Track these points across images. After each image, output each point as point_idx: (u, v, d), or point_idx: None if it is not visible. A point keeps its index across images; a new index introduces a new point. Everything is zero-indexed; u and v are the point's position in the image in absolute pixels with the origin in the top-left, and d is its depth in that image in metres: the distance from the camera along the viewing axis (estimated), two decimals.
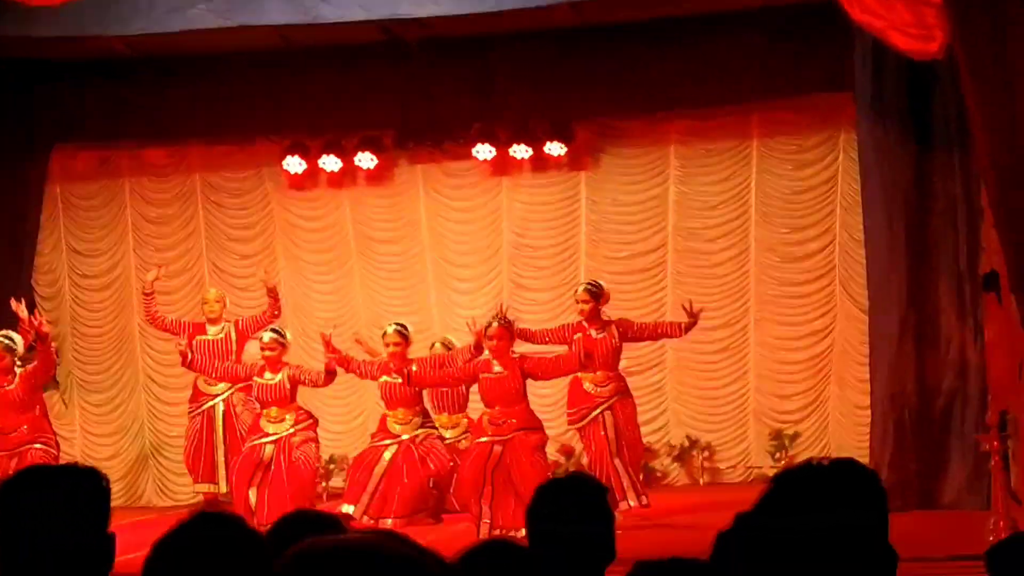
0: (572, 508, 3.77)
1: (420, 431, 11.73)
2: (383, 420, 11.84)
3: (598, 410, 11.19)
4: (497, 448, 10.73)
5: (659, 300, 13.75)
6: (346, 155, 13.97)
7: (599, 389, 11.27)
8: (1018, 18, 8.59)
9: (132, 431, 14.58)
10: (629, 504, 10.92)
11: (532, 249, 14.12)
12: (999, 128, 8.67)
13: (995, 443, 9.68)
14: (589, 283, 11.68)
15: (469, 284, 14.16)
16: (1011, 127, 8.63)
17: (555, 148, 13.67)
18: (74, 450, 14.39)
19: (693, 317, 11.14)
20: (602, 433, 11.13)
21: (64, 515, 2.89)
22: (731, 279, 13.69)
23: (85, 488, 2.95)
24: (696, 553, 3.73)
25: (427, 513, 11.70)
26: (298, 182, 14.33)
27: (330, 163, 14.00)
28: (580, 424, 11.32)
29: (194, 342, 12.32)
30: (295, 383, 11.67)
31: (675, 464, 13.66)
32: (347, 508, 11.40)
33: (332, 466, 13.51)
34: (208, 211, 14.63)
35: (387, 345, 11.63)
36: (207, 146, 14.48)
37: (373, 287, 14.40)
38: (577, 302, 11.46)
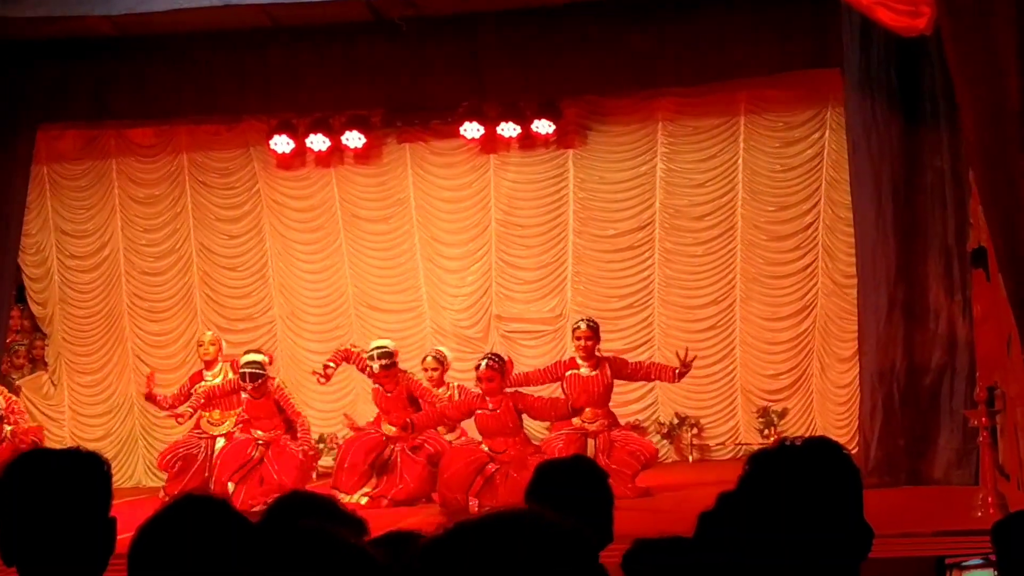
0: (572, 489, 3.76)
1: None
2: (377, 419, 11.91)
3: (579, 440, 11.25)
4: (492, 466, 10.80)
5: (647, 278, 13.77)
6: (334, 134, 13.94)
7: (588, 425, 11.33)
8: None
9: (122, 411, 14.58)
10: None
11: (520, 227, 14.12)
12: (984, 105, 8.65)
13: (983, 419, 9.71)
14: (589, 320, 11.65)
15: (457, 263, 14.16)
16: (996, 104, 8.61)
17: (543, 126, 13.66)
18: (63, 431, 14.42)
19: (686, 367, 11.17)
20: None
21: (66, 499, 2.88)
22: (718, 257, 13.71)
23: (87, 472, 2.93)
24: (687, 530, 3.75)
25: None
26: (286, 161, 14.31)
27: (318, 142, 13.98)
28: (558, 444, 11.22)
29: (197, 388, 12.37)
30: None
31: (664, 441, 13.69)
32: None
33: (322, 445, 13.50)
34: (195, 191, 14.60)
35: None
36: (194, 126, 14.45)
37: (361, 266, 14.38)
38: (577, 338, 11.46)
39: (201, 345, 12.73)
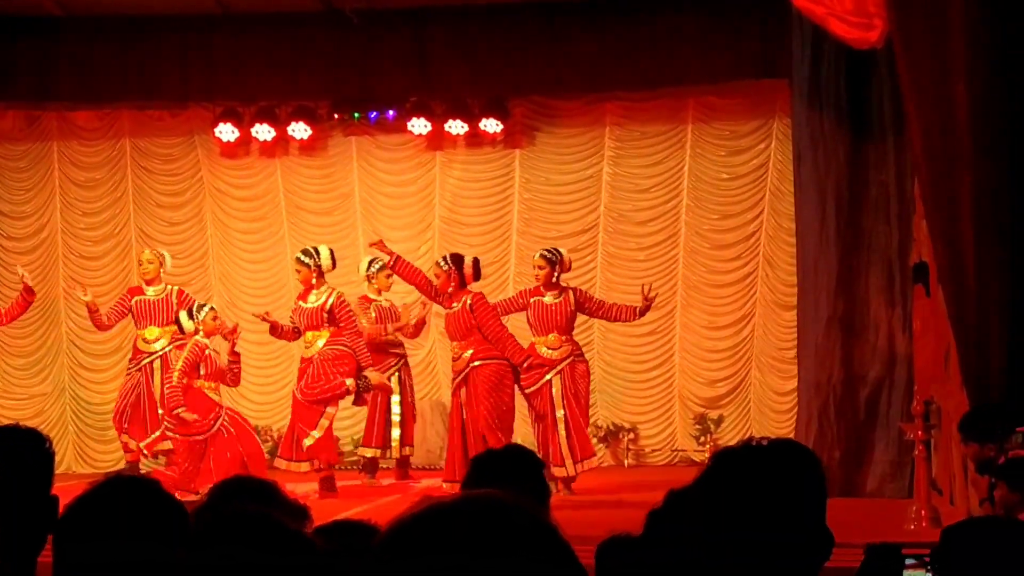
0: (507, 480, 3.72)
1: None
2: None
3: (550, 375, 11.26)
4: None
5: (589, 280, 13.74)
6: (279, 124, 13.84)
7: (552, 352, 11.33)
8: (957, 7, 8.62)
9: (53, 396, 14.41)
10: (567, 472, 11.07)
11: (464, 226, 14.08)
12: (932, 117, 8.70)
13: (919, 432, 9.76)
14: (545, 250, 11.73)
15: None
16: (944, 117, 8.65)
17: (491, 125, 13.63)
18: None
19: (648, 301, 11.29)
20: (550, 396, 11.25)
21: (7, 475, 2.84)
22: (660, 262, 13.75)
23: (28, 449, 2.90)
24: (625, 530, 3.72)
25: None
26: (230, 150, 14.20)
27: (263, 132, 13.87)
28: (532, 389, 11.33)
29: (133, 301, 12.29)
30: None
31: (601, 445, 13.67)
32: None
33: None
34: (137, 176, 14.46)
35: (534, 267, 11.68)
36: (138, 111, 14.30)
37: None
38: (533, 267, 11.55)
39: (140, 264, 12.55)
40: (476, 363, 11.15)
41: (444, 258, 11.57)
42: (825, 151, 11.27)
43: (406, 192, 14.19)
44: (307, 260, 11.47)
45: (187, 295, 12.50)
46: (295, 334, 11.68)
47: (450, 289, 11.29)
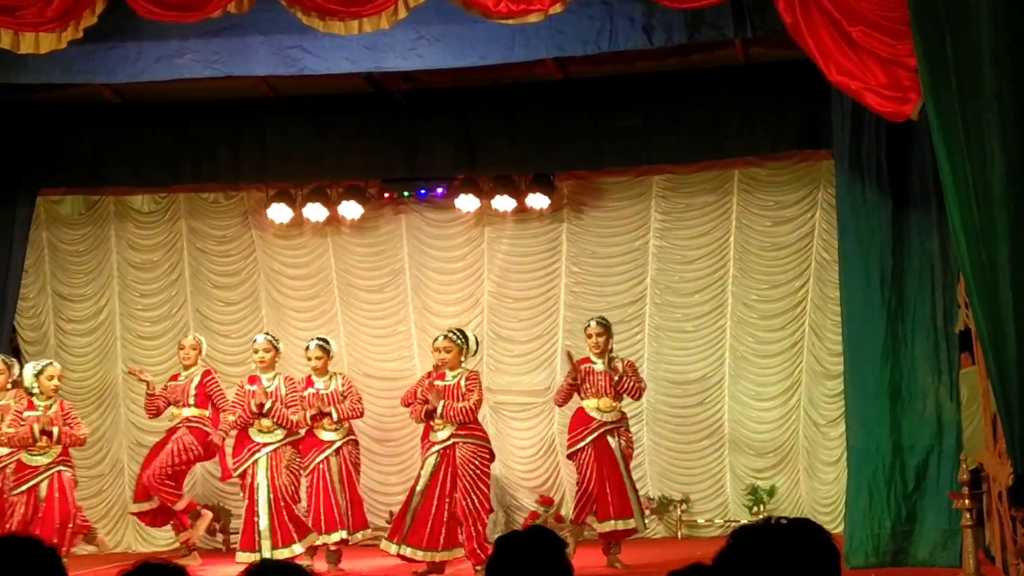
0: (530, 564, 3.78)
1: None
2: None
3: (601, 430, 11.69)
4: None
5: (636, 352, 13.82)
6: (331, 204, 14.07)
7: (604, 415, 11.73)
8: (990, 81, 8.70)
9: (112, 475, 14.59)
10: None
11: (512, 300, 14.22)
12: (968, 192, 8.77)
13: (967, 501, 9.75)
14: (600, 318, 12.18)
15: None
16: (980, 191, 8.72)
17: (537, 200, 13.77)
18: None
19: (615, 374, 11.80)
20: (608, 451, 11.67)
21: None
22: (707, 333, 13.81)
23: (37, 560, 2.95)
24: None
25: None
26: (283, 230, 14.42)
27: (315, 212, 14.09)
28: (582, 444, 11.74)
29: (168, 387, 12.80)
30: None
31: (653, 517, 13.70)
32: None
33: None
34: (193, 257, 14.71)
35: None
36: (193, 193, 14.59)
37: (356, 334, 14.47)
38: (588, 335, 11.98)
39: (182, 349, 12.94)
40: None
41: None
42: (868, 220, 11.31)
43: (455, 268, 14.35)
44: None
45: (212, 384, 12.80)
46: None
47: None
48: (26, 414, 12.03)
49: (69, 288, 14.78)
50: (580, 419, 11.86)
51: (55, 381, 12.12)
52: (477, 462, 11.36)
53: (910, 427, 11.08)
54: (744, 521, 13.32)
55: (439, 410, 11.32)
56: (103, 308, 14.76)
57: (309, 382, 12.24)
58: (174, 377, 12.99)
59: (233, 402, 12.19)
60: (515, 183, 13.74)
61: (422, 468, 11.42)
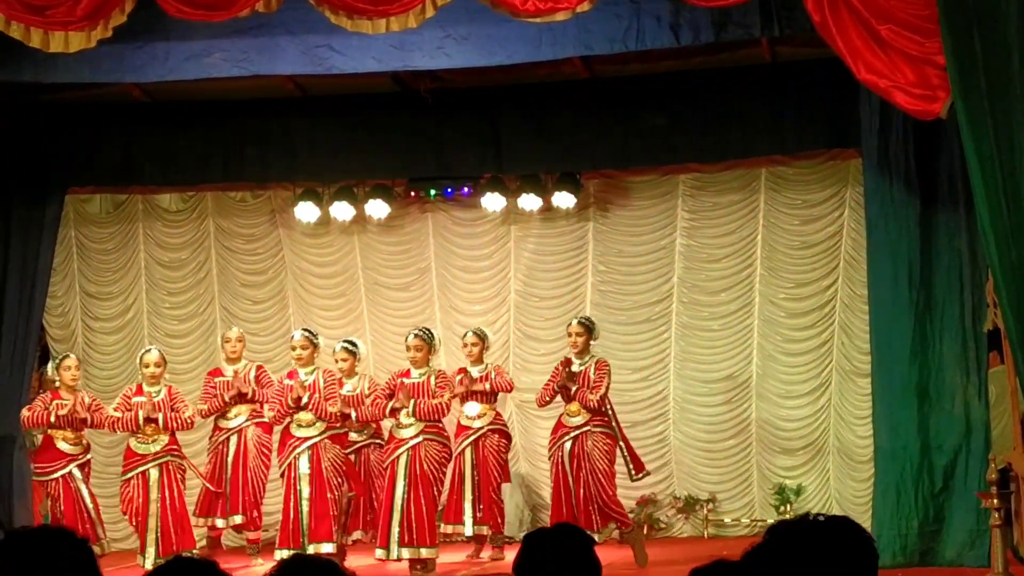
0: (558, 560, 3.78)
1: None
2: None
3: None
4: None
5: (663, 350, 13.83)
6: (358, 203, 14.10)
7: (572, 419, 11.84)
8: (1019, 79, 8.68)
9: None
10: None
11: (538, 298, 14.22)
12: (997, 191, 8.74)
13: (995, 501, 9.72)
14: (583, 318, 12.21)
15: None
16: (1009, 190, 8.70)
17: (563, 199, 13.77)
18: None
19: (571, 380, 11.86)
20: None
21: None
22: (735, 331, 13.77)
23: (68, 553, 2.94)
24: None
25: None
26: (310, 229, 14.46)
27: (342, 211, 14.13)
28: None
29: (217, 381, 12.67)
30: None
31: (679, 516, 13.69)
32: None
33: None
34: (220, 255, 14.76)
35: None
36: (221, 192, 14.64)
37: (382, 332, 14.49)
38: (568, 334, 12.00)
39: (228, 342, 12.83)
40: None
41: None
42: (896, 219, 11.28)
43: (481, 266, 14.36)
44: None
45: (261, 375, 12.75)
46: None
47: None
48: (134, 399, 11.95)
49: (97, 286, 14.84)
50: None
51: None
52: (440, 462, 11.52)
53: (938, 427, 11.06)
54: (771, 520, 13.31)
55: (410, 408, 11.35)
56: (131, 306, 14.82)
57: (339, 384, 12.25)
58: (214, 372, 12.91)
59: (271, 397, 12.17)
60: (541, 182, 13.75)
61: (396, 468, 11.40)
